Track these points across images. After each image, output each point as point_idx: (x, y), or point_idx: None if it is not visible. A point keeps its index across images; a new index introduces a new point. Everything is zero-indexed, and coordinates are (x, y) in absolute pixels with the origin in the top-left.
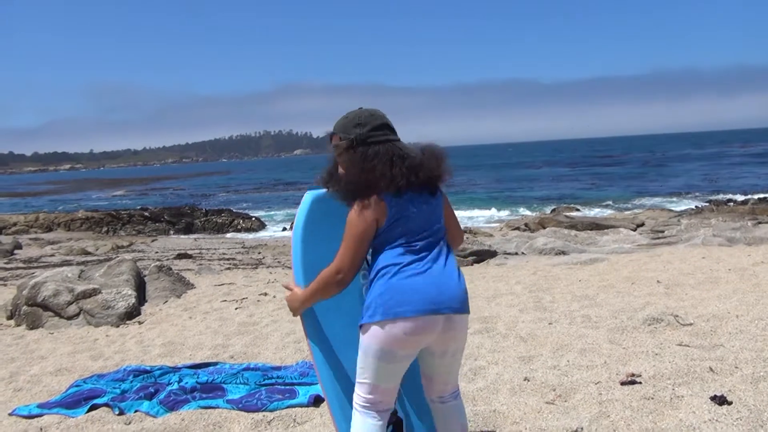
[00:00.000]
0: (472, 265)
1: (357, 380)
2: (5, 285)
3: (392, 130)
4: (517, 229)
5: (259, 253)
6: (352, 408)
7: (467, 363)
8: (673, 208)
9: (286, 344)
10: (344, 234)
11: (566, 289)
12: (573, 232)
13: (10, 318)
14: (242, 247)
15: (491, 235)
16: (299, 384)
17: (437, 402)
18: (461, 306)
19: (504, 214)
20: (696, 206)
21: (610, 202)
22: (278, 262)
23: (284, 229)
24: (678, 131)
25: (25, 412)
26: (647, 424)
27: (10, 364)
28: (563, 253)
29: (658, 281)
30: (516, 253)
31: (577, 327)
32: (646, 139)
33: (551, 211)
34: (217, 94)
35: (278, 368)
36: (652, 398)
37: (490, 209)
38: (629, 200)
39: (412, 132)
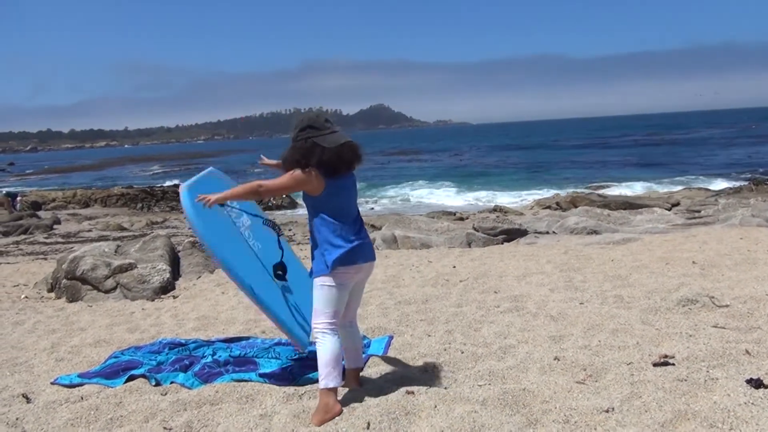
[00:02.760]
0: (502, 243)
1: (321, 314)
2: (45, 259)
3: (317, 128)
4: (548, 207)
5: (290, 230)
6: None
7: (497, 341)
8: (710, 188)
9: None
10: (287, 175)
11: (598, 268)
12: (605, 212)
13: (50, 290)
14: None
15: (522, 214)
16: None
17: (347, 327)
18: (374, 257)
19: (535, 192)
20: (734, 186)
21: (645, 181)
22: (308, 239)
23: None
24: (717, 108)
25: (67, 381)
26: (680, 405)
27: (52, 335)
28: (595, 232)
29: (693, 262)
30: (547, 232)
31: (609, 307)
32: (683, 117)
33: (583, 190)
34: (246, 71)
35: (309, 344)
36: (686, 380)
37: (520, 187)
38: (664, 179)
39: (439, 109)
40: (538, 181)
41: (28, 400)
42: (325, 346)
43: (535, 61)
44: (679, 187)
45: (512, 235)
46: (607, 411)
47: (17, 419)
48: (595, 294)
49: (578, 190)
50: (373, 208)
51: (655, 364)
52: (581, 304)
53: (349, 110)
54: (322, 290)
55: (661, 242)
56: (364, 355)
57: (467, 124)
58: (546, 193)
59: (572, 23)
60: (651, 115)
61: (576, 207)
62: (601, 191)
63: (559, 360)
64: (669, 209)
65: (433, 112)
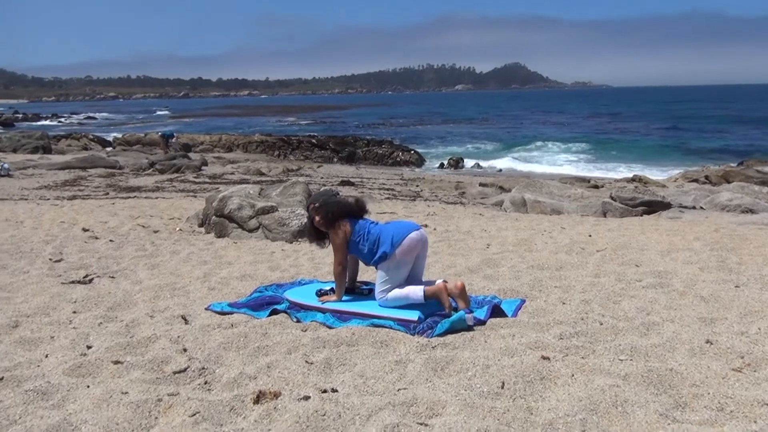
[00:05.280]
0: (641, 215)
1: (386, 287)
2: (195, 196)
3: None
4: (696, 181)
5: (417, 186)
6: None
7: (639, 317)
8: None
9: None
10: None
11: (756, 251)
12: (765, 189)
13: (201, 225)
14: (401, 179)
15: (664, 186)
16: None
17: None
18: (419, 226)
19: (680, 163)
20: None
21: None
22: (435, 196)
23: (441, 165)
24: None
25: (219, 308)
26: None
27: (204, 265)
28: (751, 211)
29: None
30: (693, 207)
31: None
32: None
33: (738, 164)
34: (380, 26)
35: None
36: None
37: (664, 157)
38: None
39: (577, 70)
40: (685, 152)
41: (186, 321)
42: (393, 293)
43: (685, 19)
44: None
45: (654, 207)
46: None
47: (179, 337)
48: (754, 278)
49: (732, 164)
50: (501, 170)
51: None
52: (737, 287)
53: (483, 68)
54: (389, 267)
55: None
56: (491, 302)
57: (608, 87)
58: (693, 166)
59: None
60: None
61: (729, 182)
62: (759, 167)
63: (711, 344)
64: None
65: (572, 73)
